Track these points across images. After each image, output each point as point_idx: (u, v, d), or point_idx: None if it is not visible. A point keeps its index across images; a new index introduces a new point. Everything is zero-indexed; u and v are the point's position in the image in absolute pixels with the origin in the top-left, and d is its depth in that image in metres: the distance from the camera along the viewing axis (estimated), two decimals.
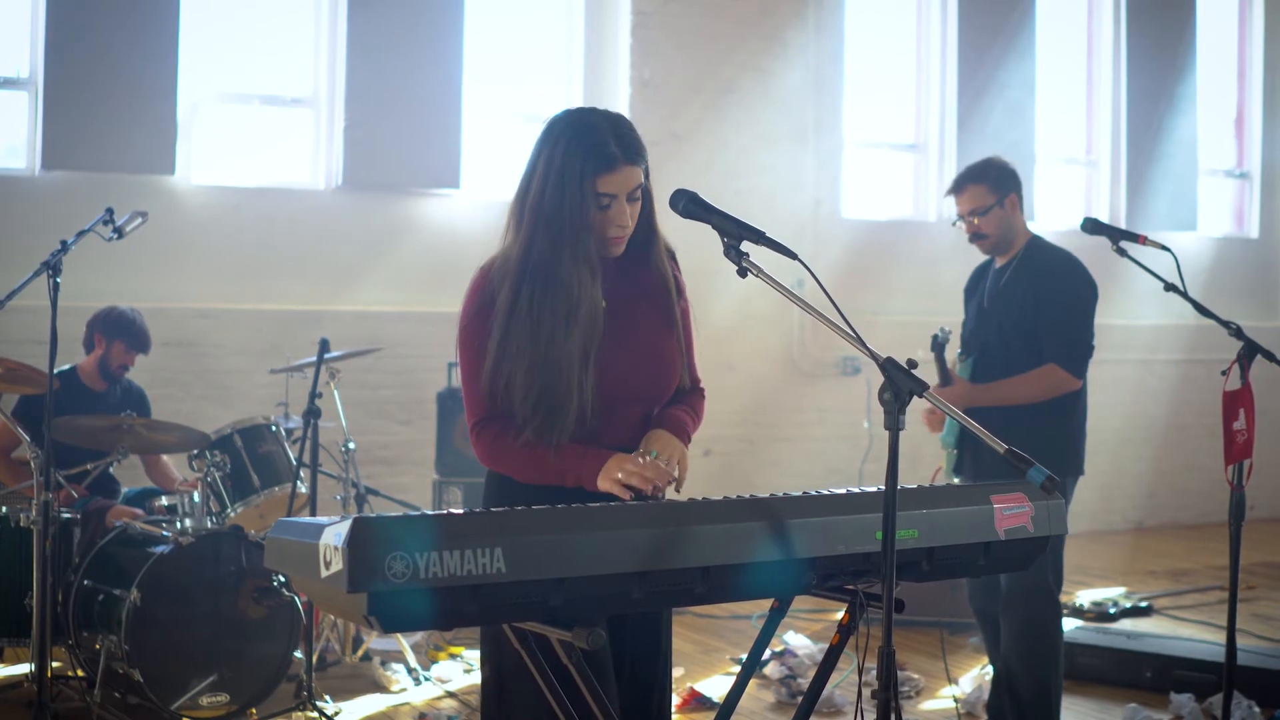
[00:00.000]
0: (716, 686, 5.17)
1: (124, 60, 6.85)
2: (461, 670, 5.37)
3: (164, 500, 5.10)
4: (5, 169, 6.89)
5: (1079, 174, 9.68)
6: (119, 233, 4.43)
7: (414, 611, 2.10)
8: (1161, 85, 9.53)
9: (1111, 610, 6.43)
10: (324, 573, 2.10)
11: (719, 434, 8.07)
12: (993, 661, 4.43)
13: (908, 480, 2.77)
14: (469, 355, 2.73)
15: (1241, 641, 4.57)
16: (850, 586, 2.52)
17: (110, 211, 4.44)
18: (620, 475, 2.60)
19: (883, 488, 2.30)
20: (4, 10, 6.88)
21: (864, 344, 2.34)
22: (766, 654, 5.00)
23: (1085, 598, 6.72)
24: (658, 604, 2.40)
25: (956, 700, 4.91)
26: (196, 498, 4.90)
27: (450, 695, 5.05)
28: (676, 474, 2.68)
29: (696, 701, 4.95)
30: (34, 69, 6.85)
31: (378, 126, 7.36)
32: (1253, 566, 7.58)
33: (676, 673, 5.13)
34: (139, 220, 4.50)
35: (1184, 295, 3.81)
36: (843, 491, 2.52)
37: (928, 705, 5.08)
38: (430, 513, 2.23)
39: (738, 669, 4.75)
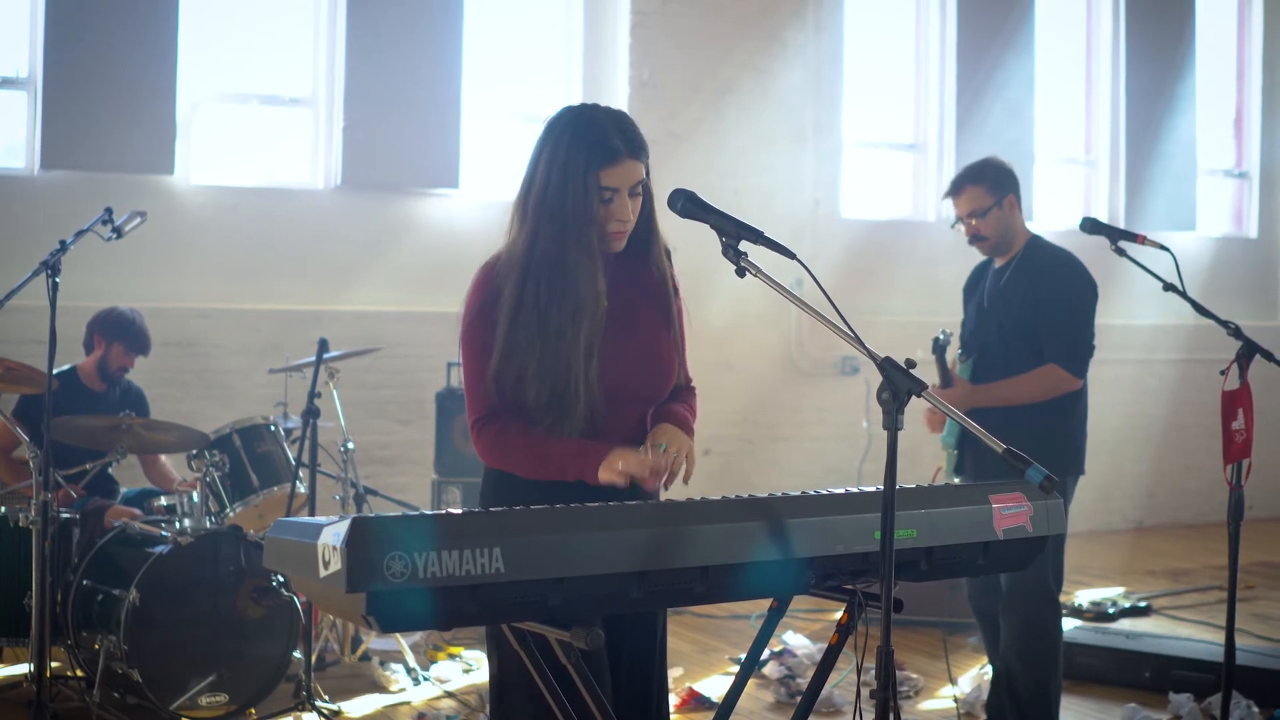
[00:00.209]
0: (715, 686, 5.17)
1: (123, 60, 6.85)
2: (460, 670, 5.37)
3: (163, 500, 5.10)
4: (4, 169, 6.89)
5: (1078, 174, 9.68)
6: (118, 232, 4.43)
7: (413, 611, 2.10)
8: (1160, 85, 9.53)
9: (1110, 610, 6.43)
10: (323, 572, 2.10)
11: (718, 434, 8.07)
12: (992, 661, 4.43)
13: (906, 480, 2.77)
14: (473, 352, 2.73)
15: (1240, 641, 4.57)
16: (849, 586, 2.53)
17: (109, 211, 4.45)
18: (621, 465, 2.60)
19: (881, 487, 2.30)
20: (4, 10, 6.88)
21: (862, 344, 2.34)
22: (765, 654, 5.00)
23: (1084, 597, 6.72)
24: (657, 604, 2.41)
25: (956, 700, 4.91)
26: (195, 498, 4.90)
27: (449, 695, 5.05)
28: (685, 468, 2.69)
29: (695, 701, 4.95)
30: (33, 69, 6.84)
31: (377, 126, 7.36)
32: (1252, 566, 7.59)
33: (676, 672, 5.13)
34: (138, 220, 4.50)
35: (1183, 295, 3.81)
36: (841, 491, 2.52)
37: (927, 705, 5.08)
38: (429, 513, 2.23)
39: (736, 669, 4.75)
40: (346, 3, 7.33)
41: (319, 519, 2.15)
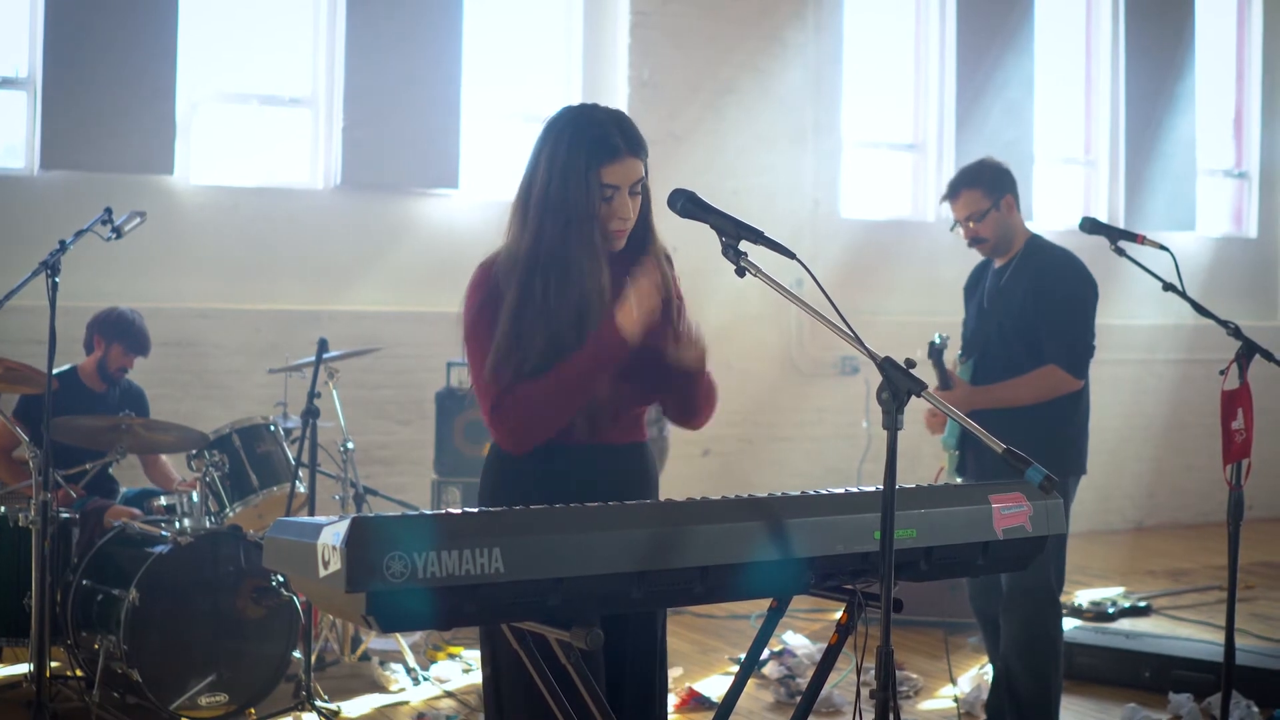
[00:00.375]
0: (715, 686, 5.17)
1: (123, 60, 6.85)
2: (460, 670, 5.37)
3: (162, 500, 5.10)
4: (4, 169, 6.89)
5: (1077, 174, 9.68)
6: (118, 232, 4.43)
7: (412, 611, 2.10)
8: (1160, 85, 9.53)
9: (1110, 610, 6.43)
10: (322, 572, 2.10)
11: (718, 434, 8.07)
12: (993, 661, 4.43)
13: (906, 480, 2.77)
14: (479, 347, 2.72)
15: (1240, 641, 4.57)
16: (849, 586, 2.53)
17: (109, 211, 4.45)
18: (631, 306, 2.63)
19: (881, 487, 2.30)
20: (4, 10, 6.88)
21: (862, 344, 2.34)
22: (765, 654, 5.00)
23: (1084, 597, 6.72)
24: (656, 604, 2.41)
25: (957, 700, 4.91)
26: (195, 498, 4.90)
27: (449, 695, 5.05)
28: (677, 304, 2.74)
29: (695, 701, 4.95)
30: (33, 69, 6.84)
31: (377, 126, 7.36)
32: (1251, 566, 7.59)
33: (675, 672, 5.13)
34: (138, 220, 4.50)
35: (1182, 295, 3.81)
36: (841, 491, 2.52)
37: (926, 705, 5.08)
38: (429, 513, 2.23)
39: (736, 669, 4.75)
40: (346, 3, 7.33)
41: (319, 519, 2.15)
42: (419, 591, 2.07)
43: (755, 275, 2.50)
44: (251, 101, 7.41)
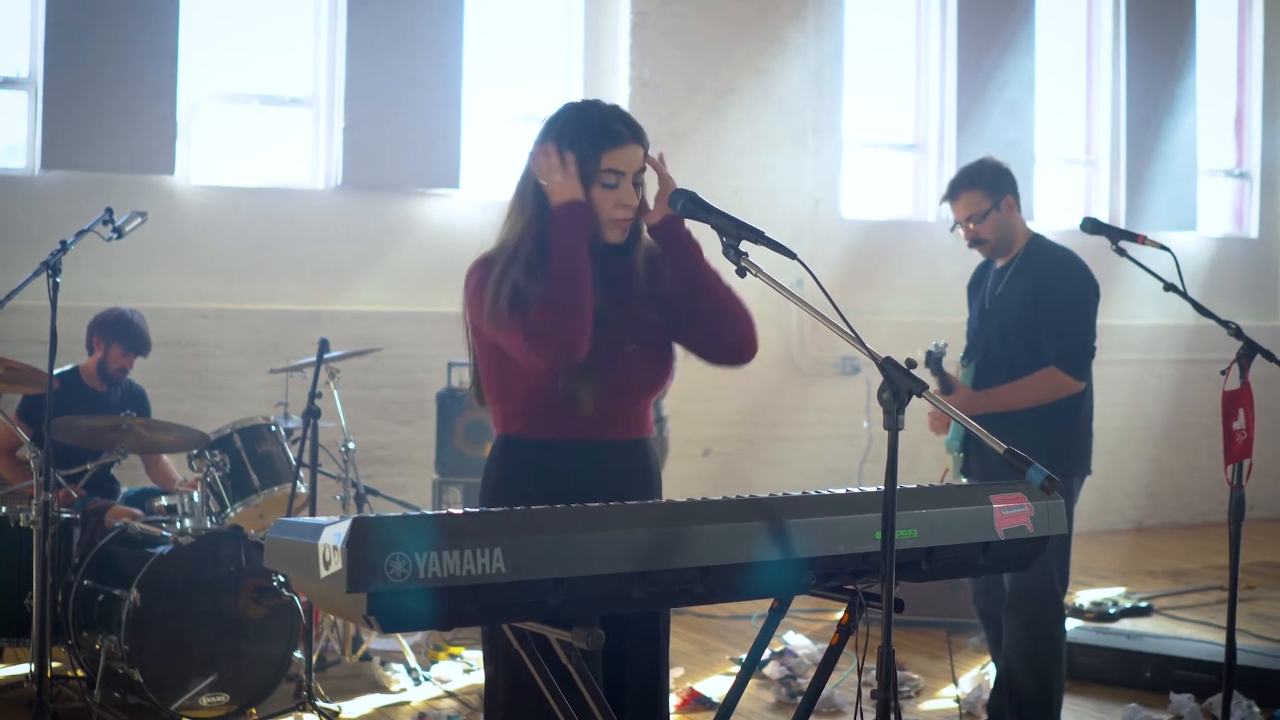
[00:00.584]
0: (716, 686, 5.17)
1: (124, 60, 6.85)
2: (461, 670, 5.37)
3: (164, 500, 5.10)
4: (5, 169, 6.89)
5: (1078, 174, 9.68)
6: (118, 232, 4.43)
7: (413, 611, 2.10)
8: (1161, 85, 9.53)
9: (1111, 610, 6.43)
10: (323, 573, 2.10)
11: (718, 434, 8.07)
12: (995, 661, 4.43)
13: (907, 480, 2.77)
14: (479, 341, 2.77)
15: (1241, 641, 4.56)
16: (850, 586, 2.53)
17: (110, 211, 4.44)
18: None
19: (882, 487, 2.30)
20: (4, 10, 6.88)
21: (863, 344, 2.34)
22: (766, 654, 5.01)
23: (1085, 598, 6.72)
24: (657, 604, 2.41)
25: (959, 700, 4.91)
26: (196, 498, 4.90)
27: (450, 695, 5.05)
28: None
29: (696, 701, 4.95)
30: (34, 69, 6.85)
31: (377, 127, 7.36)
32: (1252, 566, 7.58)
33: (676, 672, 5.13)
34: (138, 220, 4.50)
35: (1183, 295, 3.81)
36: (842, 491, 2.52)
37: (927, 705, 5.08)
38: (430, 513, 2.23)
39: (737, 669, 4.76)
40: (347, 3, 7.34)
41: (320, 519, 2.15)
42: (420, 592, 2.07)
43: (756, 275, 2.50)
44: (252, 101, 7.41)
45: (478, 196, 7.63)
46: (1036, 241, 4.31)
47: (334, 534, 2.08)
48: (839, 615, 2.60)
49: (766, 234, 2.51)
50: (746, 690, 2.89)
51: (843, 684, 5.03)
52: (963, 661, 5.56)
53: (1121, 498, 9.36)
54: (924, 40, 9.05)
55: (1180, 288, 3.81)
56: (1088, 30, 9.68)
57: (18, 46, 6.86)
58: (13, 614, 4.65)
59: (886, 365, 2.29)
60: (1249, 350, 3.63)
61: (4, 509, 4.69)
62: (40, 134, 6.77)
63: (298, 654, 4.80)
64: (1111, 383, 8.45)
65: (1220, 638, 4.57)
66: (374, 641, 5.48)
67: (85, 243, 4.37)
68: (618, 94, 7.89)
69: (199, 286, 7.11)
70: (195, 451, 5.23)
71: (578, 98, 7.64)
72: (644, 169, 2.75)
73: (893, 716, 2.31)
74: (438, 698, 5.05)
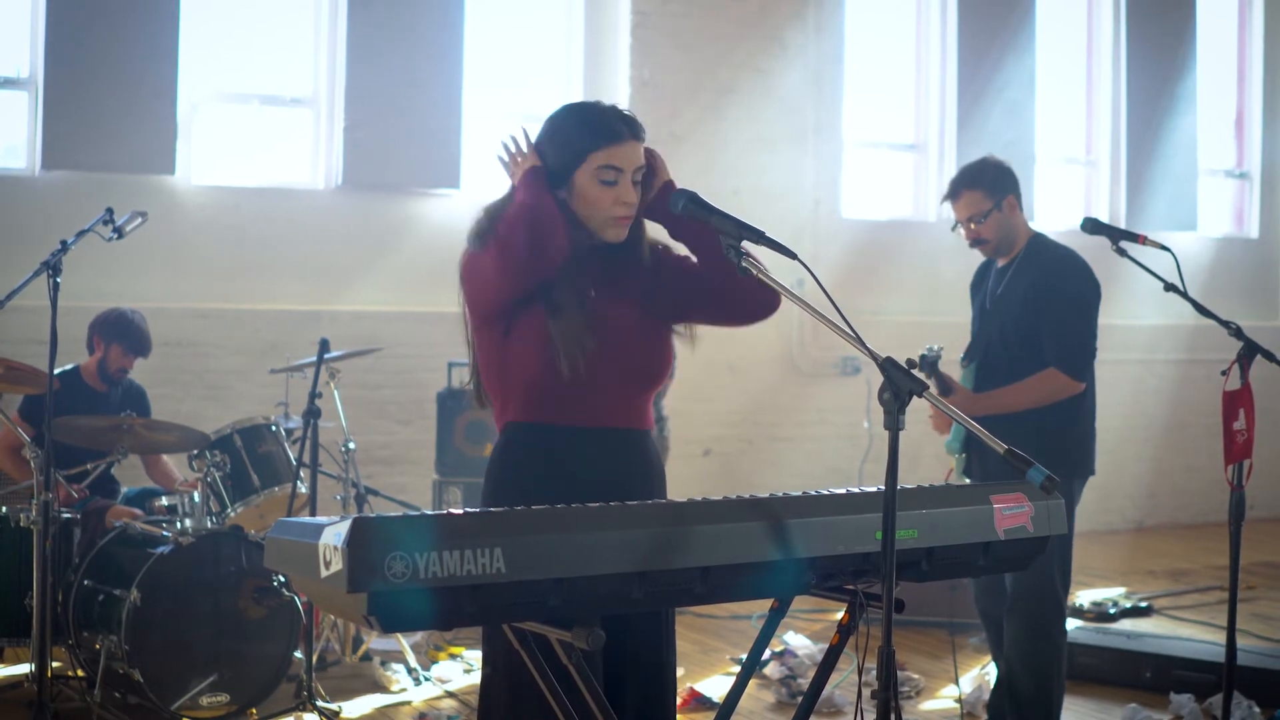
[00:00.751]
0: (716, 686, 5.17)
1: (124, 60, 6.85)
2: (461, 670, 5.37)
3: (164, 500, 5.10)
4: (5, 169, 6.89)
5: (1078, 174, 9.68)
6: (119, 233, 4.43)
7: (414, 611, 2.10)
8: (1161, 85, 9.53)
9: (1111, 610, 6.43)
10: (324, 573, 2.10)
11: (718, 434, 8.07)
12: (996, 661, 4.42)
13: (907, 480, 2.77)
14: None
15: (1241, 641, 4.56)
16: (850, 586, 2.53)
17: (110, 211, 4.44)
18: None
19: (882, 488, 2.30)
20: (4, 10, 6.88)
21: (863, 344, 2.34)
22: (766, 654, 5.00)
23: (1085, 598, 6.72)
24: (657, 604, 2.41)
25: (959, 700, 4.91)
26: (196, 498, 4.90)
27: (450, 695, 5.05)
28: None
29: (696, 702, 4.95)
30: (34, 69, 6.85)
31: (378, 127, 7.36)
32: (1252, 566, 7.58)
33: (677, 673, 5.13)
34: (139, 220, 4.50)
35: (1184, 295, 3.80)
36: (842, 491, 2.52)
37: (928, 705, 5.08)
38: (430, 513, 2.23)
39: (737, 669, 4.75)
40: (347, 3, 7.34)
41: (320, 519, 2.15)
42: (420, 592, 2.07)
43: (757, 275, 2.50)
44: (252, 101, 7.41)
45: (478, 196, 7.60)
46: (1038, 241, 4.30)
47: (334, 534, 2.08)
48: (839, 615, 2.60)
49: (767, 234, 2.51)
50: (747, 690, 2.89)
51: (843, 684, 5.03)
52: (963, 661, 5.55)
53: (1121, 498, 9.36)
54: (924, 40, 9.05)
55: (1181, 288, 3.81)
56: (1088, 30, 9.68)
57: (18, 46, 6.86)
58: (13, 614, 4.64)
59: (887, 365, 2.29)
60: (1249, 350, 3.63)
61: (4, 509, 4.69)
62: (40, 134, 6.77)
63: (298, 654, 4.80)
64: (1112, 383, 8.44)
65: (1220, 638, 4.57)
66: (374, 641, 5.48)
67: (85, 243, 4.37)
68: (618, 94, 7.89)
69: (199, 286, 7.11)
70: (195, 451, 5.23)
71: (578, 98, 7.72)
72: (644, 167, 2.75)
73: (893, 716, 2.30)
74: (438, 698, 5.05)
